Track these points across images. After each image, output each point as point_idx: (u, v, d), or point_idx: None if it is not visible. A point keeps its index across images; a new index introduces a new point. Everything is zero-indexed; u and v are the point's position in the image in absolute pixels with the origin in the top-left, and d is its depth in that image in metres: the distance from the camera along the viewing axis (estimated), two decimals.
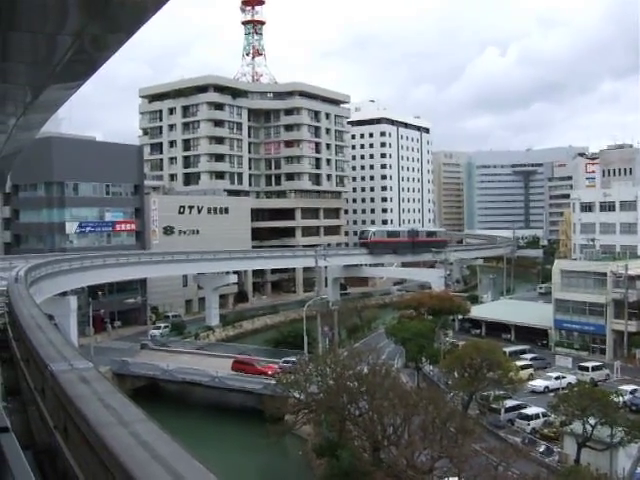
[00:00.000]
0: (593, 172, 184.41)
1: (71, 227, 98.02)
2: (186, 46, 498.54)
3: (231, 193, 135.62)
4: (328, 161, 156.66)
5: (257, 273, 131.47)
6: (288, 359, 65.40)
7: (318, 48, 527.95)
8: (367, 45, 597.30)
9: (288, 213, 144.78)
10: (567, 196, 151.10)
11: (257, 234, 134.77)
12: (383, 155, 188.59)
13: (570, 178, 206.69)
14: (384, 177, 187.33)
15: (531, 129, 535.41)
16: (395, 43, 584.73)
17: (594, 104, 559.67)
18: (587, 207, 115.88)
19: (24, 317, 17.58)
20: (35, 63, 9.31)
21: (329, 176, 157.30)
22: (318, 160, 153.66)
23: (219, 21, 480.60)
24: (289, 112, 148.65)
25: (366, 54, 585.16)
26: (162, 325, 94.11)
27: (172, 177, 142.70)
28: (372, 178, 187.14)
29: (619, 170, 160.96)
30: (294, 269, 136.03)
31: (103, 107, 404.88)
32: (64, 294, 70.50)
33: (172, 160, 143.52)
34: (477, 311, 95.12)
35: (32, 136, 18.50)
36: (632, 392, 60.07)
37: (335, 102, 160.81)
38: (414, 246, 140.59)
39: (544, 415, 55.19)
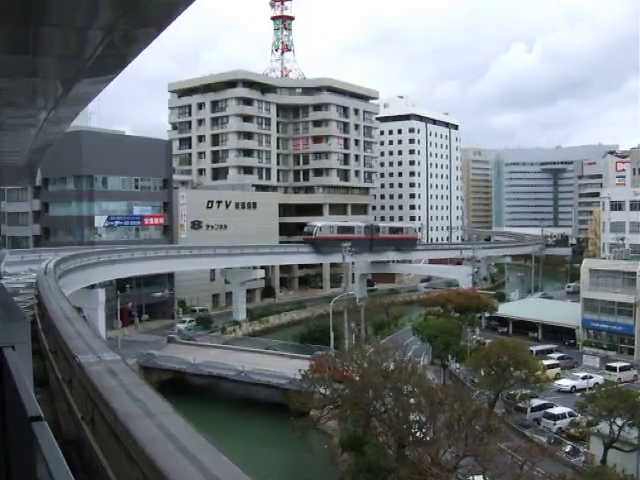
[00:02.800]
0: (623, 170, 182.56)
1: (100, 220, 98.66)
2: (210, 41, 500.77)
3: (259, 188, 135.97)
4: (356, 157, 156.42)
5: (284, 268, 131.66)
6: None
7: (341, 44, 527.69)
8: (391, 41, 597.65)
9: (316, 209, 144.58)
10: (597, 194, 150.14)
11: (285, 229, 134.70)
12: (412, 151, 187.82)
13: (600, 176, 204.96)
14: (412, 174, 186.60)
15: (558, 126, 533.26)
16: (419, 39, 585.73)
17: (622, 101, 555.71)
18: (617, 206, 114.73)
19: (53, 309, 17.72)
20: (66, 57, 9.37)
21: (357, 172, 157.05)
22: (346, 156, 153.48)
23: (244, 15, 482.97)
24: (318, 108, 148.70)
25: (390, 50, 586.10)
26: (187, 319, 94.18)
27: (200, 172, 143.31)
28: (400, 174, 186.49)
29: None
30: (321, 265, 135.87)
31: (129, 102, 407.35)
32: (92, 287, 70.97)
33: (201, 155, 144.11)
34: (504, 309, 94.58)
35: (62, 130, 18.61)
36: None
37: (364, 98, 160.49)
38: (373, 244, 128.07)
39: (571, 415, 54.95)
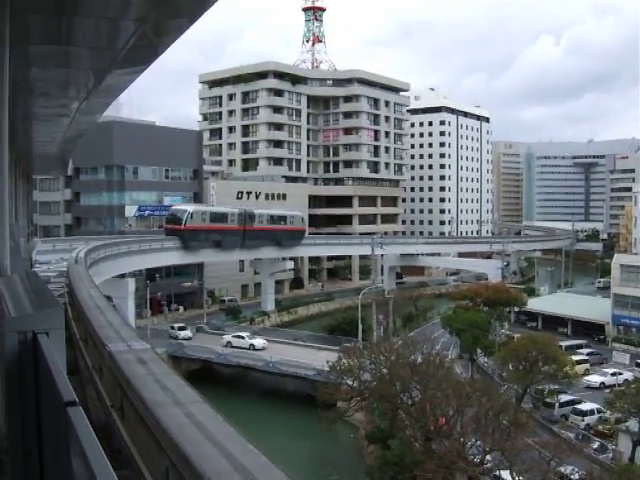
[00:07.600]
0: None
1: (130, 210, 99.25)
2: (236, 33, 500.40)
3: (289, 179, 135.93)
4: (387, 149, 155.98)
5: (313, 260, 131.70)
6: None
7: (364, 37, 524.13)
8: (415, 34, 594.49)
9: (345, 200, 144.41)
10: (629, 189, 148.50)
11: (314, 221, 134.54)
12: (442, 144, 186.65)
13: (633, 171, 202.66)
14: (443, 166, 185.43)
15: (586, 120, 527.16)
16: (444, 32, 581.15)
17: None
18: None
19: (83, 298, 17.85)
20: (99, 48, 9.44)
21: (387, 164, 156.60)
22: (376, 148, 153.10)
23: (270, 6, 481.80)
24: (348, 99, 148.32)
25: (414, 43, 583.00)
26: (177, 326, 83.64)
27: (231, 162, 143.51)
28: (431, 167, 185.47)
29: None
30: (350, 257, 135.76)
31: (156, 93, 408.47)
32: (123, 276, 71.41)
33: (231, 146, 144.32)
34: (534, 304, 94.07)
35: (94, 120, 18.76)
36: None
37: (394, 90, 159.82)
38: (245, 236, 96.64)
39: (599, 411, 54.52)
